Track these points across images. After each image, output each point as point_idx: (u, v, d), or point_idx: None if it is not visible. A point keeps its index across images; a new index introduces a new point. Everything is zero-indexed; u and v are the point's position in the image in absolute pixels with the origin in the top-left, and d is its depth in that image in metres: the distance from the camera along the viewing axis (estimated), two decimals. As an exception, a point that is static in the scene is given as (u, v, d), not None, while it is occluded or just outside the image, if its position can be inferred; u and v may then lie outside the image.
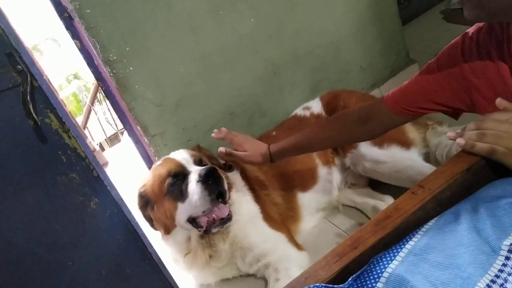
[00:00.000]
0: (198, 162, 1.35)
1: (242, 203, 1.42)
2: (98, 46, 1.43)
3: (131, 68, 1.50)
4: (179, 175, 1.30)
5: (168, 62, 1.57)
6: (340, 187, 1.65)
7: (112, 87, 1.53)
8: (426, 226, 0.68)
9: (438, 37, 2.50)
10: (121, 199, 1.17)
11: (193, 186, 1.25)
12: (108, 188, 1.13)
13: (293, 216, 1.54)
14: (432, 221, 0.69)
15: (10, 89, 0.96)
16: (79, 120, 4.42)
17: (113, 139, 5.09)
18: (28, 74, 0.98)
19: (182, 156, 1.35)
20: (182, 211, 1.30)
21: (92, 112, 4.50)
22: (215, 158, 1.46)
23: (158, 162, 1.42)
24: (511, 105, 0.79)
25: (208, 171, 1.24)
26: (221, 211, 1.28)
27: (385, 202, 1.53)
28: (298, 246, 1.43)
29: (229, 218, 1.30)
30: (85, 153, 1.09)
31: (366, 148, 1.53)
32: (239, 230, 1.39)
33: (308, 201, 1.57)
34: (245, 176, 1.52)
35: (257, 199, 1.47)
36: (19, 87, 0.97)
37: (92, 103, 4.24)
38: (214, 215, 1.28)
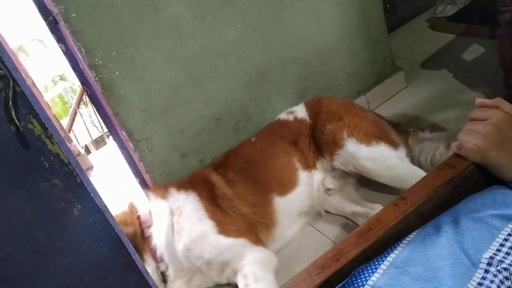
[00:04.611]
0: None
1: (193, 225, 1.41)
2: (84, 51, 1.42)
3: (116, 73, 1.49)
4: None
5: (154, 67, 1.56)
6: (322, 193, 1.65)
7: (97, 91, 1.52)
8: (407, 239, 0.69)
9: (424, 45, 2.53)
10: (105, 205, 1.15)
11: None
12: (91, 194, 1.12)
13: (267, 223, 1.52)
14: (414, 233, 0.70)
15: (-9, 94, 0.95)
16: (65, 122, 4.37)
17: (99, 142, 5.04)
18: (11, 79, 0.97)
19: None
20: None
21: (78, 114, 4.45)
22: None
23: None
24: (489, 102, 0.82)
25: None
26: None
27: (375, 210, 1.53)
28: (264, 246, 1.43)
29: None
30: (68, 159, 1.08)
31: (353, 147, 1.54)
32: (193, 252, 1.39)
33: (287, 205, 1.56)
34: (210, 196, 1.49)
35: (214, 215, 1.44)
36: (1, 92, 0.96)
37: (78, 105, 4.20)
38: None
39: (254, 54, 1.77)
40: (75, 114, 4.32)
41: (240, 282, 1.34)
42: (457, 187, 0.76)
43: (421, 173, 1.46)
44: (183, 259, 1.40)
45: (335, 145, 1.58)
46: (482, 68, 2.12)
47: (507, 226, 0.66)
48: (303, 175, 1.60)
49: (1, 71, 0.95)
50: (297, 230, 1.60)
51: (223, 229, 1.41)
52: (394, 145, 1.55)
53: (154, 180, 1.67)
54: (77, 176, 1.10)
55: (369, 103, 2.14)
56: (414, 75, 2.29)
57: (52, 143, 1.05)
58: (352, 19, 1.98)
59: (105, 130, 4.67)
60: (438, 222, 0.70)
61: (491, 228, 0.66)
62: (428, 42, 2.54)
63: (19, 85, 0.98)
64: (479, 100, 0.84)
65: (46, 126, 1.03)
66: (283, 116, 1.77)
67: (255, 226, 1.49)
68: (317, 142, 1.66)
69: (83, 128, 5.08)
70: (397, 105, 2.14)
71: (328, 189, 1.65)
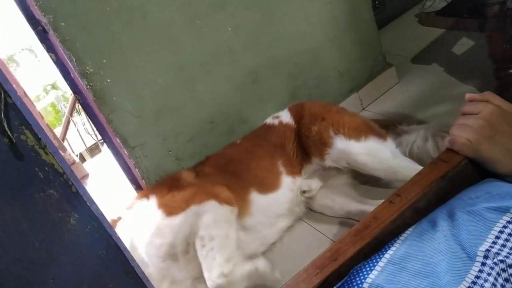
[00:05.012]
0: None
1: (147, 224, 1.39)
2: (74, 59, 1.42)
3: (108, 80, 1.49)
4: None
5: (146, 73, 1.56)
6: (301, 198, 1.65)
7: (89, 99, 1.51)
8: (404, 235, 0.69)
9: (414, 40, 2.54)
10: (101, 213, 1.15)
11: None
12: (87, 203, 1.11)
13: (240, 206, 1.48)
14: (410, 229, 0.70)
15: (-18, 107, 0.94)
16: (58, 131, 4.35)
17: (94, 149, 5.03)
18: (2, 91, 0.96)
19: None
20: None
21: (71, 122, 4.43)
22: None
23: None
24: (479, 96, 0.83)
25: None
26: None
27: None
28: (217, 199, 1.39)
29: None
30: (63, 168, 1.07)
31: (342, 143, 1.55)
32: (154, 244, 1.37)
33: (265, 204, 1.54)
34: (171, 189, 1.47)
35: (161, 202, 1.42)
36: (-8, 104, 0.95)
37: (71, 114, 4.18)
38: None
39: (245, 56, 1.77)
40: (68, 122, 4.30)
41: (197, 245, 1.33)
42: (451, 182, 0.76)
43: (413, 164, 1.49)
44: (148, 259, 1.37)
45: (324, 144, 1.59)
46: (473, 61, 2.13)
47: (501, 218, 0.67)
48: (286, 180, 1.60)
49: (-8, 83, 0.95)
50: (277, 231, 1.58)
51: (169, 210, 1.38)
52: (382, 137, 1.57)
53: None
54: (73, 186, 1.10)
55: (362, 100, 2.15)
56: (405, 70, 2.30)
57: (46, 153, 1.04)
58: (342, 17, 1.99)
59: (99, 137, 4.66)
60: (434, 217, 0.71)
61: (486, 221, 0.67)
62: (418, 37, 2.55)
63: (10, 97, 0.98)
64: (469, 95, 0.85)
65: (39, 137, 1.02)
66: (269, 120, 1.78)
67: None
68: (304, 146, 1.66)
69: (77, 136, 5.06)
70: (390, 101, 2.14)
71: (304, 192, 1.64)
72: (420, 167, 1.49)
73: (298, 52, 1.92)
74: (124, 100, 1.54)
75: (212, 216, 1.35)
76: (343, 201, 1.61)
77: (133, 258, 1.22)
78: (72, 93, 1.58)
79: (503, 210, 0.67)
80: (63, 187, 1.08)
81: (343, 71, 2.07)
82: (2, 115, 0.97)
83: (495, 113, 0.78)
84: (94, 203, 1.15)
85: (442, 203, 0.73)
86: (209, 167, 1.57)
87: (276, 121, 1.74)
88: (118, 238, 1.20)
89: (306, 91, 1.98)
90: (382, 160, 1.52)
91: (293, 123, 1.71)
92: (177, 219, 1.36)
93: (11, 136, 0.98)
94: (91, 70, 1.45)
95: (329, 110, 1.67)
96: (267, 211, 1.55)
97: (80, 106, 4.26)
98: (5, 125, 0.97)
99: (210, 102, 1.74)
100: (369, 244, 0.68)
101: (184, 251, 1.38)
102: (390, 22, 2.84)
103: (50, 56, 1.45)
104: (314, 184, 1.64)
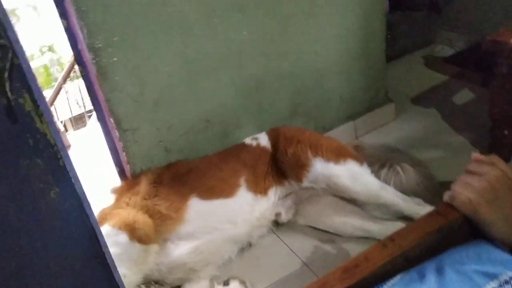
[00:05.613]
0: None
1: None
2: (86, 31, 1.40)
3: (115, 59, 1.47)
4: None
5: (153, 60, 1.54)
6: (266, 221, 1.65)
7: (92, 74, 1.49)
8: (391, 281, 0.69)
9: (417, 80, 2.56)
10: (83, 193, 1.12)
11: None
12: (72, 180, 1.09)
13: (174, 217, 1.48)
14: (398, 276, 0.70)
15: (-14, 61, 0.91)
16: (46, 94, 4.25)
17: (78, 119, 4.95)
18: (11, 50, 0.93)
19: None
20: None
21: (63, 89, 4.34)
22: None
23: None
24: (485, 158, 0.84)
25: None
26: None
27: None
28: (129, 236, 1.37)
29: None
30: (55, 140, 1.04)
31: (321, 165, 1.58)
32: None
33: (205, 209, 1.53)
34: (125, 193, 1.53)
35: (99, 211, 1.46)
36: (-2, 62, 0.92)
37: (64, 81, 4.10)
38: None
39: (254, 62, 1.76)
40: (59, 89, 4.21)
41: None
42: (445, 236, 0.77)
43: (393, 190, 1.55)
44: None
45: (301, 166, 1.61)
46: (471, 113, 2.16)
47: (488, 284, 0.67)
48: (245, 194, 1.59)
49: (2, 41, 0.92)
50: (225, 237, 1.54)
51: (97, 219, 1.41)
52: (360, 161, 1.61)
53: (134, 172, 1.64)
54: (61, 159, 1.07)
55: (357, 129, 2.16)
56: (404, 109, 2.32)
57: (41, 121, 1.01)
58: (355, 44, 2.00)
59: (87, 108, 4.59)
60: (423, 269, 0.71)
61: (473, 283, 0.67)
62: (422, 78, 2.57)
63: (17, 57, 0.95)
64: (476, 154, 0.86)
65: (38, 104, 1.00)
66: (247, 141, 1.79)
67: (159, 217, 1.46)
68: (280, 169, 1.68)
69: (64, 104, 4.96)
70: (383, 136, 2.16)
71: (277, 214, 1.66)
72: (401, 194, 1.52)
73: (305, 70, 1.92)
74: (126, 82, 1.52)
75: (118, 251, 1.33)
76: (332, 213, 1.61)
77: (106, 243, 1.20)
78: (72, 59, 1.55)
79: (491, 276, 0.68)
80: (51, 159, 1.05)
81: (345, 97, 2.08)
82: (6, 74, 0.94)
83: (500, 178, 0.79)
84: (79, 181, 1.11)
85: (433, 255, 0.74)
86: (168, 175, 1.58)
87: (254, 142, 1.76)
88: (95, 220, 1.17)
89: (305, 109, 1.98)
90: (364, 183, 1.54)
91: (270, 147, 1.72)
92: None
93: (10, 98, 0.96)
94: (100, 45, 1.43)
95: (303, 133, 1.71)
96: (209, 216, 1.53)
97: (74, 74, 4.20)
98: (7, 85, 0.94)
99: (210, 101, 1.72)
100: (357, 284, 0.68)
101: None
102: (397, 58, 2.85)
103: (62, 23, 1.42)
104: (290, 212, 1.66)
